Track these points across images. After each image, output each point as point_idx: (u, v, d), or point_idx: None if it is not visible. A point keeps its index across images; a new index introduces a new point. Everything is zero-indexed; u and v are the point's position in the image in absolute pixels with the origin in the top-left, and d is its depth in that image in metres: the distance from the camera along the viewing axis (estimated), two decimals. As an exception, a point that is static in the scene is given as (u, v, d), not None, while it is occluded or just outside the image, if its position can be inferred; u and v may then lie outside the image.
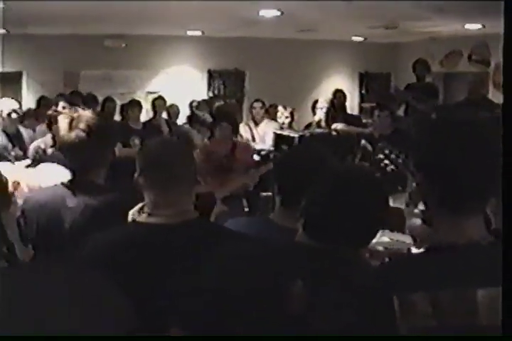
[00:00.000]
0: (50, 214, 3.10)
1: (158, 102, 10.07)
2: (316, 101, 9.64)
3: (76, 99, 9.51)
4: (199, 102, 10.88)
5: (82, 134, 3.11)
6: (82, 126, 3.11)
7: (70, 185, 3.18)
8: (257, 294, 1.96)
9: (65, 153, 3.25)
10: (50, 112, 7.24)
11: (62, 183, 3.24)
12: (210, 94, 13.58)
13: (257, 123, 9.34)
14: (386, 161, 6.02)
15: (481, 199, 1.92)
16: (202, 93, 13.20)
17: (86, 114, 3.21)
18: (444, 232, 1.92)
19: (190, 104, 10.93)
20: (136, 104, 9.55)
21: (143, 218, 2.64)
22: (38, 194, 3.29)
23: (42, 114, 8.79)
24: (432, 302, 1.81)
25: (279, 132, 8.14)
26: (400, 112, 9.45)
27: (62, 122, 3.16)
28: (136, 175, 2.68)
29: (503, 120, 1.85)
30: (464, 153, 1.88)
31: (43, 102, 9.83)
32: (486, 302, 1.78)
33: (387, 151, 6.03)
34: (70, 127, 3.12)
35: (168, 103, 10.29)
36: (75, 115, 3.16)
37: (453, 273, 1.82)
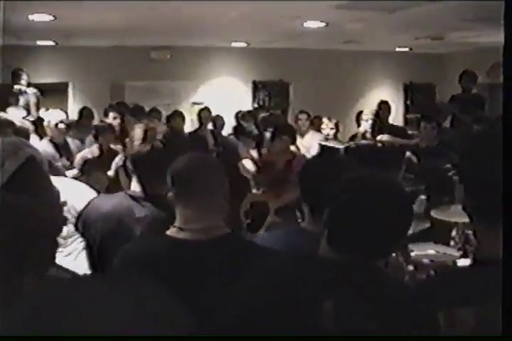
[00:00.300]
0: (116, 224, 3.12)
1: (204, 113, 10.10)
2: (360, 113, 9.60)
3: (123, 109, 9.59)
4: (244, 113, 10.89)
5: (160, 145, 3.11)
6: (159, 137, 3.12)
7: (138, 196, 3.20)
8: (285, 309, 1.92)
9: (136, 162, 3.26)
10: (97, 123, 7.34)
11: (128, 193, 3.26)
12: (255, 106, 13.58)
13: (302, 135, 9.29)
14: (453, 171, 5.97)
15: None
16: (246, 104, 13.21)
17: (162, 125, 3.23)
18: (488, 246, 1.90)
19: (236, 115, 10.94)
20: (179, 115, 9.60)
21: (173, 232, 2.63)
22: (100, 204, 3.31)
23: (84, 125, 8.91)
24: (476, 316, 1.80)
25: (324, 143, 8.13)
26: (446, 124, 9.37)
27: (138, 132, 3.17)
28: (168, 192, 2.69)
29: (503, 120, 1.81)
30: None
31: (85, 113, 9.89)
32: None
33: (456, 161, 5.99)
34: (145, 137, 3.13)
35: (213, 114, 10.34)
36: (152, 126, 3.17)
37: (497, 287, 1.80)
